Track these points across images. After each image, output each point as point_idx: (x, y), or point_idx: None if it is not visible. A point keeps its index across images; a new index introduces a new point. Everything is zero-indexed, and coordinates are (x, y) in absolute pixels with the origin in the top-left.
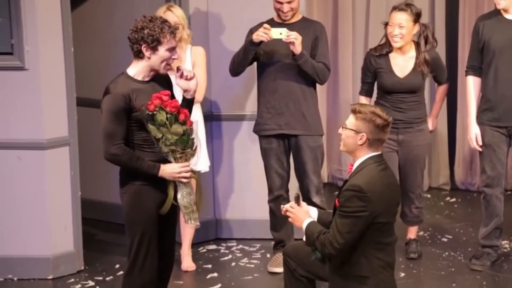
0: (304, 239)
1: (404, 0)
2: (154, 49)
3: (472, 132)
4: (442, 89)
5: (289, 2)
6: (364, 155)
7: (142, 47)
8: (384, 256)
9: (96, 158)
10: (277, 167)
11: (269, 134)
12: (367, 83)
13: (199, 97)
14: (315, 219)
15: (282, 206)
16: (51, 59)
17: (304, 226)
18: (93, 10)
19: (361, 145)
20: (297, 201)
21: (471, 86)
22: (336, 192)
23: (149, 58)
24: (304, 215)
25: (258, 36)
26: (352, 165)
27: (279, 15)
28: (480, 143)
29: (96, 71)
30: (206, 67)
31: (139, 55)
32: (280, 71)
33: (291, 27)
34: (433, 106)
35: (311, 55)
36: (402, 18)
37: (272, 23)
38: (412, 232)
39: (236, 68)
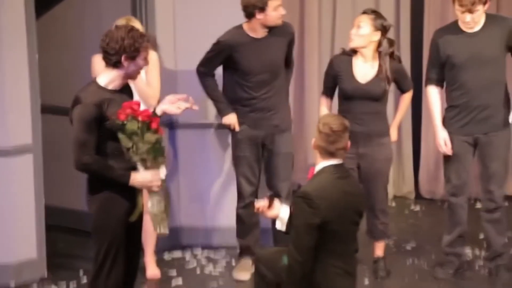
0: (281, 227)
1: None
2: (132, 58)
3: (440, 138)
4: (406, 97)
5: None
6: (322, 161)
7: (122, 58)
8: (341, 263)
9: (62, 165)
10: (249, 175)
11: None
12: (328, 88)
13: (153, 102)
14: (286, 218)
15: (255, 202)
16: (15, 65)
17: (281, 213)
18: (61, 16)
19: (316, 150)
20: (270, 199)
21: (433, 95)
22: None
23: (126, 67)
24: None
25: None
26: (313, 170)
27: (275, 22)
28: (450, 147)
29: (63, 78)
30: (161, 73)
31: (116, 65)
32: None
33: (265, 38)
34: (396, 114)
35: (286, 56)
36: (362, 19)
37: (242, 34)
38: (380, 249)
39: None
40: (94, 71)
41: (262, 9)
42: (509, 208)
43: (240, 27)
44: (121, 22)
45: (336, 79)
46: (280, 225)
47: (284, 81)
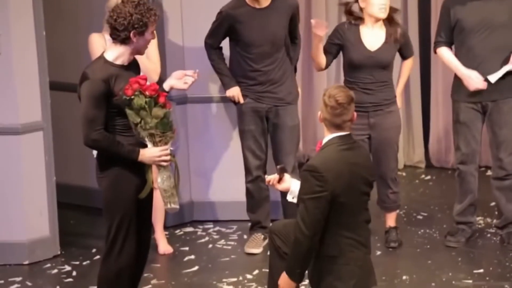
0: (292, 199)
1: None
2: (141, 33)
3: (471, 77)
4: (408, 63)
5: None
6: (329, 134)
7: (131, 34)
8: (353, 235)
9: (71, 143)
10: (255, 148)
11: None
12: (328, 53)
13: (155, 76)
14: (297, 190)
15: (266, 176)
16: (23, 43)
17: (293, 186)
18: None
19: (322, 123)
20: (281, 172)
21: (446, 53)
22: None
23: (135, 42)
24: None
25: (233, 97)
26: (321, 143)
27: None
28: (480, 79)
29: (70, 54)
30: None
31: (124, 41)
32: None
33: (266, 10)
34: (399, 81)
35: (290, 29)
36: None
37: (243, 4)
38: (391, 219)
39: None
40: (93, 51)
41: None
42: None
43: (243, 1)
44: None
45: (341, 49)
46: (291, 198)
47: (287, 53)
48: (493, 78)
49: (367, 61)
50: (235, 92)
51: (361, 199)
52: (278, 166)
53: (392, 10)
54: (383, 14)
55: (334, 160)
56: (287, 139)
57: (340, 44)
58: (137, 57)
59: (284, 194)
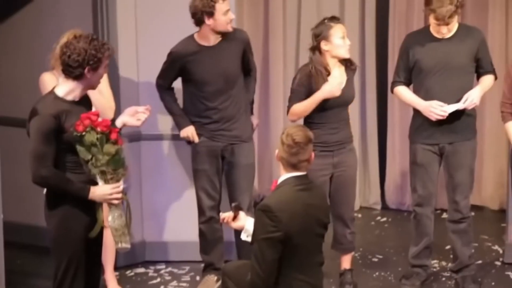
0: (246, 237)
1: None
2: (95, 69)
3: (426, 106)
4: None
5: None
6: (285, 173)
7: (85, 70)
8: (306, 277)
9: (21, 179)
10: (208, 189)
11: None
12: (298, 100)
13: (111, 113)
14: (251, 230)
15: (220, 214)
16: None
17: (247, 225)
18: (19, 26)
19: (279, 162)
20: (235, 210)
21: (404, 90)
22: None
23: (89, 78)
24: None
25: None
26: (276, 182)
27: (225, 26)
28: (439, 109)
29: (20, 89)
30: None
31: (78, 77)
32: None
33: (217, 47)
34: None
35: (242, 61)
36: (344, 29)
37: (193, 43)
38: (347, 262)
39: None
40: (45, 91)
41: (211, 14)
42: (476, 218)
43: (191, 36)
44: (67, 36)
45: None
46: (246, 236)
47: (242, 90)
48: (449, 109)
49: (337, 100)
50: (189, 131)
51: (315, 241)
52: (233, 204)
53: None
54: (348, 54)
55: (289, 200)
56: (242, 178)
57: (310, 89)
58: (91, 94)
59: (238, 234)
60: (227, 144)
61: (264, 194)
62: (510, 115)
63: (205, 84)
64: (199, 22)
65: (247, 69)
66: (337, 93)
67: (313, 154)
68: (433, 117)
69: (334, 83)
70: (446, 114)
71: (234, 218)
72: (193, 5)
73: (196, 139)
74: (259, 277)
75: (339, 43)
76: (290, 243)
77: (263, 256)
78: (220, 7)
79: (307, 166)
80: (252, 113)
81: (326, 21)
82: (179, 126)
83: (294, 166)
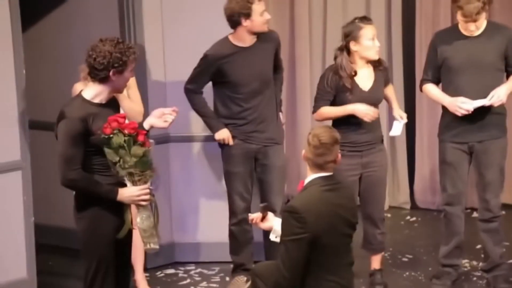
0: (275, 238)
1: (363, 15)
2: (121, 72)
3: (453, 103)
4: (390, 88)
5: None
6: (312, 174)
7: (110, 73)
8: (336, 277)
9: (51, 182)
10: (242, 191)
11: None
12: (325, 100)
13: (140, 117)
14: (280, 231)
15: (249, 215)
16: (2, 81)
17: (275, 225)
18: (47, 30)
19: (307, 163)
20: (264, 211)
21: (432, 88)
22: None
23: (114, 81)
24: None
25: (223, 140)
26: (303, 183)
27: (261, 27)
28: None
29: (49, 93)
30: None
31: (103, 79)
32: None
33: (252, 48)
34: (391, 102)
35: (274, 63)
36: (374, 30)
37: (229, 45)
38: (377, 262)
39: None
40: None
41: (248, 15)
42: (506, 217)
43: (226, 39)
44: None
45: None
46: (274, 237)
47: (274, 90)
48: (475, 104)
49: (365, 101)
50: (224, 134)
51: (343, 241)
52: (261, 205)
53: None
54: (377, 56)
55: (315, 201)
56: (275, 180)
57: (334, 89)
58: (121, 100)
59: (266, 235)
60: (261, 146)
61: (292, 195)
62: None
63: (242, 85)
64: (235, 24)
65: (276, 66)
66: (367, 118)
67: (339, 155)
68: (459, 112)
69: (370, 110)
70: (471, 109)
71: (263, 218)
72: (229, 7)
73: (231, 142)
74: (284, 278)
75: (369, 44)
76: (318, 244)
77: (289, 257)
78: (256, 8)
79: (334, 166)
80: (281, 110)
81: (356, 21)
82: (213, 129)
83: (320, 167)
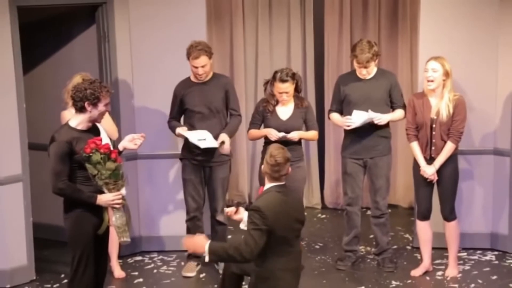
0: (207, 258)
1: (286, 68)
2: (95, 105)
3: (342, 120)
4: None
5: (203, 67)
6: (269, 183)
7: (85, 104)
8: (284, 261)
9: (45, 191)
10: (194, 194)
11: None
12: (255, 124)
13: (116, 134)
14: (245, 222)
15: (225, 209)
16: (7, 112)
17: (206, 248)
18: (41, 73)
19: (264, 174)
20: (237, 206)
21: (337, 115)
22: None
23: (90, 112)
24: (202, 242)
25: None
26: (263, 189)
27: (195, 76)
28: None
29: (43, 121)
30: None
31: (81, 110)
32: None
33: (205, 84)
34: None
35: (226, 104)
36: (285, 87)
37: (188, 82)
38: None
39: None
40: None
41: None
42: (391, 214)
43: (187, 79)
44: (76, 78)
45: (263, 119)
46: (244, 226)
47: (222, 122)
48: (357, 118)
49: (285, 128)
50: (184, 129)
51: (293, 234)
52: (235, 202)
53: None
54: (284, 103)
55: (273, 202)
56: (219, 188)
57: (261, 115)
58: (103, 124)
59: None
60: (207, 165)
61: (232, 199)
62: (414, 136)
63: (194, 111)
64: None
65: (230, 108)
66: (273, 138)
67: (290, 169)
68: (345, 126)
69: (275, 133)
70: (352, 122)
71: (236, 212)
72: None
73: (185, 128)
74: (250, 250)
75: (277, 95)
76: (274, 235)
77: (253, 242)
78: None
79: (285, 178)
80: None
81: (277, 76)
82: (175, 128)
83: (276, 179)
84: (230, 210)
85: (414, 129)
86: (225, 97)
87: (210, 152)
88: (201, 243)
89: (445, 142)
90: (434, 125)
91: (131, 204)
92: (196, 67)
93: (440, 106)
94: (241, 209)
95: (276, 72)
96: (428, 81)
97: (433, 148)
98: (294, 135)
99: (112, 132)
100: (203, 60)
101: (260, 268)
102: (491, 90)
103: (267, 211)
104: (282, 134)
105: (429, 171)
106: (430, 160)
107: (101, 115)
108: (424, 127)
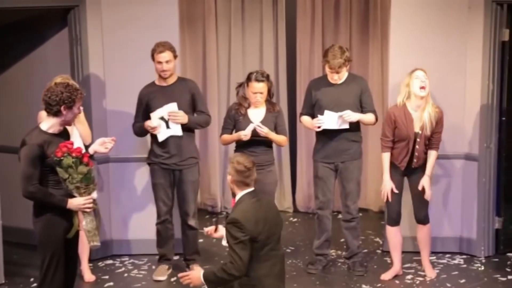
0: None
1: (259, 70)
2: (70, 108)
3: (311, 122)
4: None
5: (167, 62)
6: (240, 192)
7: (62, 107)
8: (269, 266)
9: (16, 194)
10: (164, 198)
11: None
12: (226, 129)
13: (89, 139)
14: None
15: (204, 228)
16: None
17: (202, 277)
18: (13, 76)
19: (233, 184)
20: (216, 225)
21: (307, 118)
22: (207, 216)
23: (65, 115)
24: (197, 274)
25: (150, 130)
26: (235, 200)
27: (160, 74)
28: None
29: (14, 124)
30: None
31: (56, 113)
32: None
33: (170, 86)
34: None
35: (193, 107)
36: (261, 87)
37: (153, 86)
38: None
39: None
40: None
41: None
42: (362, 218)
43: (153, 82)
44: (58, 79)
45: (235, 123)
46: (225, 243)
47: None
48: (325, 118)
49: (256, 133)
50: (149, 122)
51: (274, 237)
52: (214, 219)
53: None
54: (257, 105)
55: (249, 211)
56: (190, 191)
57: (233, 120)
58: (77, 124)
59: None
60: (177, 168)
61: (205, 202)
62: (387, 148)
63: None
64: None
65: (198, 110)
66: (245, 138)
67: (255, 174)
68: (315, 127)
69: (243, 133)
70: (322, 122)
71: (215, 230)
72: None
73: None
74: (237, 268)
75: (251, 96)
76: (256, 242)
77: (238, 257)
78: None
79: (254, 183)
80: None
81: (253, 74)
82: (143, 126)
83: (247, 184)
84: (209, 229)
85: (390, 141)
86: (192, 100)
87: (178, 155)
88: (197, 275)
89: (425, 153)
90: (418, 139)
91: (102, 208)
92: (161, 62)
93: (424, 119)
94: (220, 227)
95: (251, 73)
96: (421, 88)
97: (415, 160)
98: (263, 130)
99: (86, 137)
100: (167, 54)
101: (245, 276)
102: (460, 95)
103: (244, 221)
104: (252, 125)
105: (388, 187)
106: (405, 170)
107: (74, 117)
108: (407, 140)
